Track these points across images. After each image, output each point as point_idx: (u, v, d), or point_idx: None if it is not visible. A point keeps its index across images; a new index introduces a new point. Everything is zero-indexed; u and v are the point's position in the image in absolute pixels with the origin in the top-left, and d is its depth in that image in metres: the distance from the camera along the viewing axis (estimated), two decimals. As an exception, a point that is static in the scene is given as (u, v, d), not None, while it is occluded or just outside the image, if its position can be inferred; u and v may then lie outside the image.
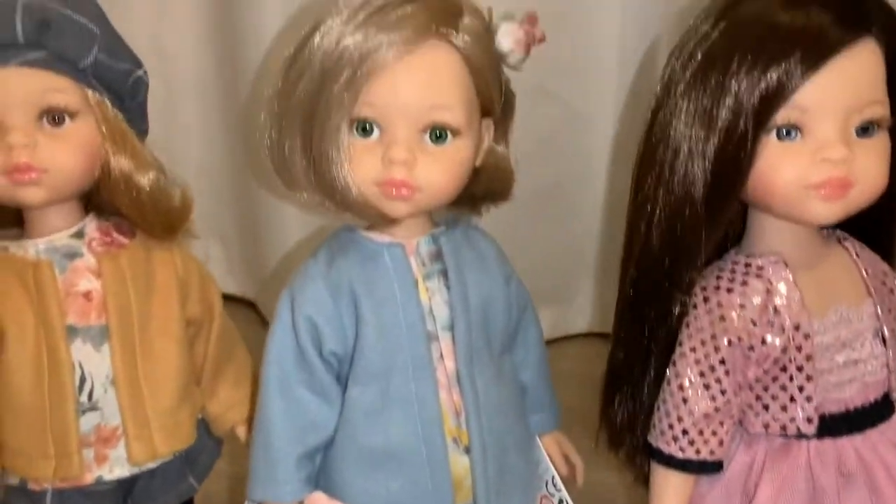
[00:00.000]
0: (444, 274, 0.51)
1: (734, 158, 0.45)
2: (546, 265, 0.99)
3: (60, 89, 0.50)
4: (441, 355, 0.51)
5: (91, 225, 0.55)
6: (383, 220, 0.49)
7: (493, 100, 0.50)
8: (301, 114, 0.47)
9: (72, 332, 0.53)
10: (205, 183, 1.06)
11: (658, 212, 0.47)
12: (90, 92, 0.52)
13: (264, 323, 1.06)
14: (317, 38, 0.46)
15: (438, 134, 0.48)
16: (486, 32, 0.49)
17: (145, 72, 0.56)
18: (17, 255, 0.53)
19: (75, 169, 0.52)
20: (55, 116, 0.51)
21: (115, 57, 0.53)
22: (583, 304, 1.06)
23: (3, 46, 0.49)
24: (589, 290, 1.05)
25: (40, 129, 0.50)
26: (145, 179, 0.53)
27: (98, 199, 0.55)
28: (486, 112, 0.50)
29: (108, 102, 0.53)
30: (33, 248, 0.53)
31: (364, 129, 0.47)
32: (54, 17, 0.50)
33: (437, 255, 0.52)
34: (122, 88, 0.54)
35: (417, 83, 0.47)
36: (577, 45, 0.91)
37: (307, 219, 1.02)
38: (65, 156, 0.51)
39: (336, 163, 0.47)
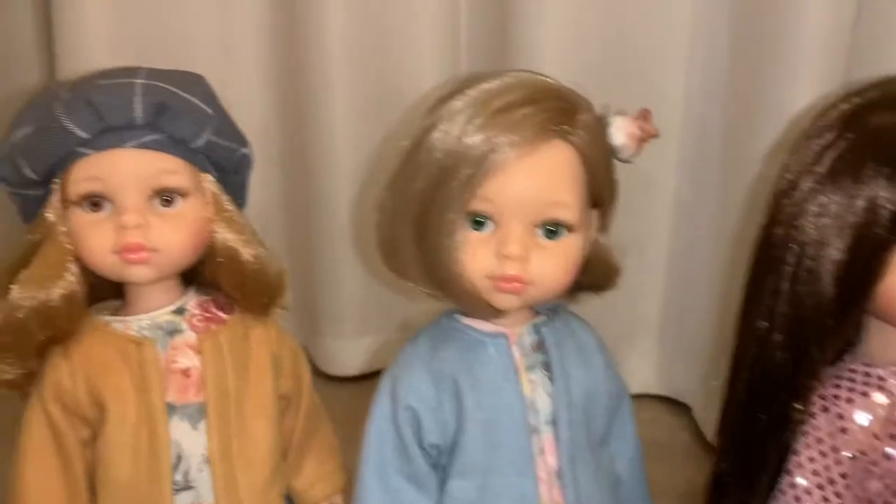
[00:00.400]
0: (546, 366, 0.51)
1: (864, 268, 0.44)
2: (601, 323, 0.99)
3: (173, 171, 0.51)
4: (542, 450, 0.50)
5: (192, 301, 0.55)
6: (491, 312, 0.49)
7: (604, 192, 0.50)
8: (416, 206, 0.47)
9: (170, 409, 0.52)
10: (261, 227, 1.07)
11: (779, 315, 0.46)
12: (200, 171, 0.53)
13: (316, 370, 1.06)
14: (437, 135, 0.47)
15: (552, 229, 0.48)
16: (601, 127, 0.49)
17: (250, 149, 0.56)
18: (119, 330, 0.53)
19: (185, 248, 0.52)
20: (167, 197, 0.51)
21: (224, 136, 0.54)
22: (639, 364, 1.05)
23: (120, 128, 0.49)
24: (645, 351, 1.04)
25: (152, 210, 0.51)
26: (248, 255, 0.54)
27: (197, 273, 0.55)
28: (594, 203, 0.50)
29: (215, 181, 0.53)
30: (136, 324, 0.53)
31: (478, 222, 0.48)
32: (171, 100, 0.50)
33: (540, 346, 0.51)
34: (228, 166, 0.55)
35: (536, 181, 0.47)
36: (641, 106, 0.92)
37: (360, 269, 1.03)
38: (176, 236, 0.51)
39: (449, 254, 0.47)
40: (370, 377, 1.01)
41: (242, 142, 0.55)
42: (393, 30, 0.94)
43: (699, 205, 0.94)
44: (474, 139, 0.46)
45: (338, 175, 0.99)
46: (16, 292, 0.50)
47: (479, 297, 0.48)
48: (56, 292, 0.50)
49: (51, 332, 0.51)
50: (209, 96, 0.53)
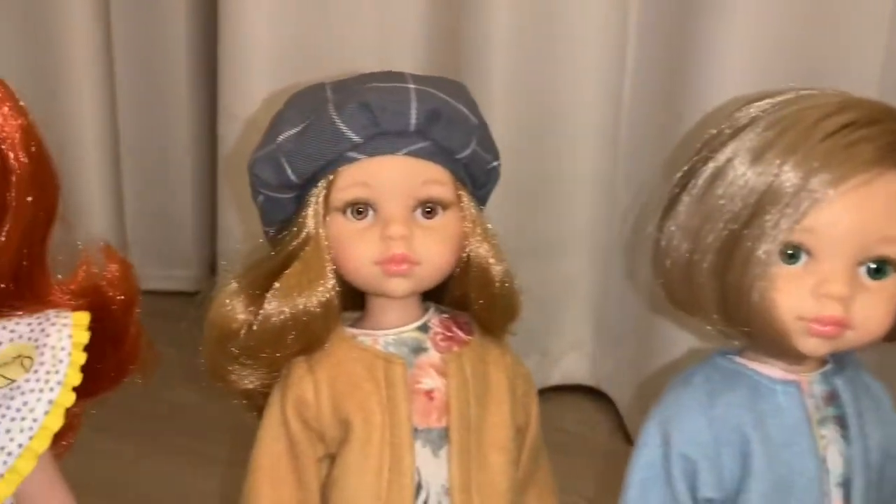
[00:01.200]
0: (839, 420, 0.46)
1: None
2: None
3: (441, 181, 0.49)
4: (830, 513, 0.46)
5: (435, 319, 0.52)
6: (793, 356, 0.45)
7: None
8: (723, 235, 0.44)
9: (413, 433, 0.49)
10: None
11: None
12: (459, 183, 0.50)
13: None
14: (745, 167, 0.43)
15: (878, 268, 0.43)
16: None
17: (500, 163, 0.54)
18: (366, 345, 0.50)
19: (445, 262, 0.49)
20: (429, 208, 0.49)
21: (485, 148, 0.51)
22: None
23: (393, 134, 0.47)
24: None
25: (414, 221, 0.49)
26: (499, 271, 0.51)
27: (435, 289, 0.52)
28: None
29: (469, 193, 0.51)
30: (383, 339, 0.51)
31: (792, 255, 0.43)
32: (444, 108, 0.48)
33: (831, 399, 0.47)
34: (480, 178, 0.52)
35: (867, 214, 0.42)
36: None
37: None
38: (438, 249, 0.49)
39: (759, 291, 0.43)
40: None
41: (496, 155, 0.53)
42: (555, 47, 0.91)
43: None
44: (797, 173, 0.42)
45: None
46: (274, 298, 0.48)
47: (787, 338, 0.44)
48: (316, 299, 0.48)
49: (304, 342, 0.49)
50: (473, 105, 0.51)
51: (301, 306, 0.48)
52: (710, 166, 0.45)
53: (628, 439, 0.93)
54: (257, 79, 0.95)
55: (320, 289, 0.48)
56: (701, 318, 0.47)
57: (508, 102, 0.91)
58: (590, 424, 0.98)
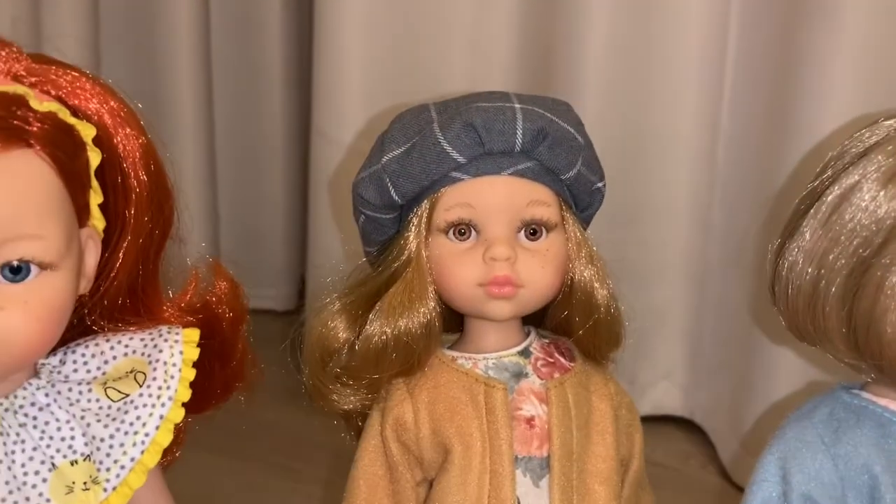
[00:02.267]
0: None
1: None
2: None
3: (545, 202, 0.48)
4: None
5: (536, 343, 0.51)
6: None
7: None
8: (852, 262, 0.41)
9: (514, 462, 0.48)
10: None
11: None
12: (563, 204, 0.49)
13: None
14: (874, 194, 0.41)
15: None
16: None
17: (605, 184, 0.52)
18: (466, 368, 0.50)
19: (549, 286, 0.48)
20: (533, 229, 0.48)
21: (590, 169, 0.50)
22: None
23: (498, 154, 0.47)
24: None
25: (518, 243, 0.48)
26: (603, 295, 0.50)
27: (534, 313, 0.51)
28: None
29: (574, 214, 0.50)
30: (483, 363, 0.50)
31: None
32: (549, 127, 0.47)
33: (972, 439, 0.44)
34: (583, 199, 0.51)
35: None
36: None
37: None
38: (543, 272, 0.48)
39: (892, 322, 0.40)
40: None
41: (601, 176, 0.52)
42: (650, 66, 0.88)
43: None
44: None
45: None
46: (376, 319, 0.48)
47: None
48: (417, 321, 0.48)
49: (405, 363, 0.49)
50: (579, 124, 0.50)
51: (402, 327, 0.48)
52: (836, 189, 0.43)
53: (722, 472, 0.89)
54: (350, 99, 0.96)
55: (422, 310, 0.48)
56: (825, 348, 0.44)
57: (601, 123, 0.89)
58: (681, 457, 0.94)
